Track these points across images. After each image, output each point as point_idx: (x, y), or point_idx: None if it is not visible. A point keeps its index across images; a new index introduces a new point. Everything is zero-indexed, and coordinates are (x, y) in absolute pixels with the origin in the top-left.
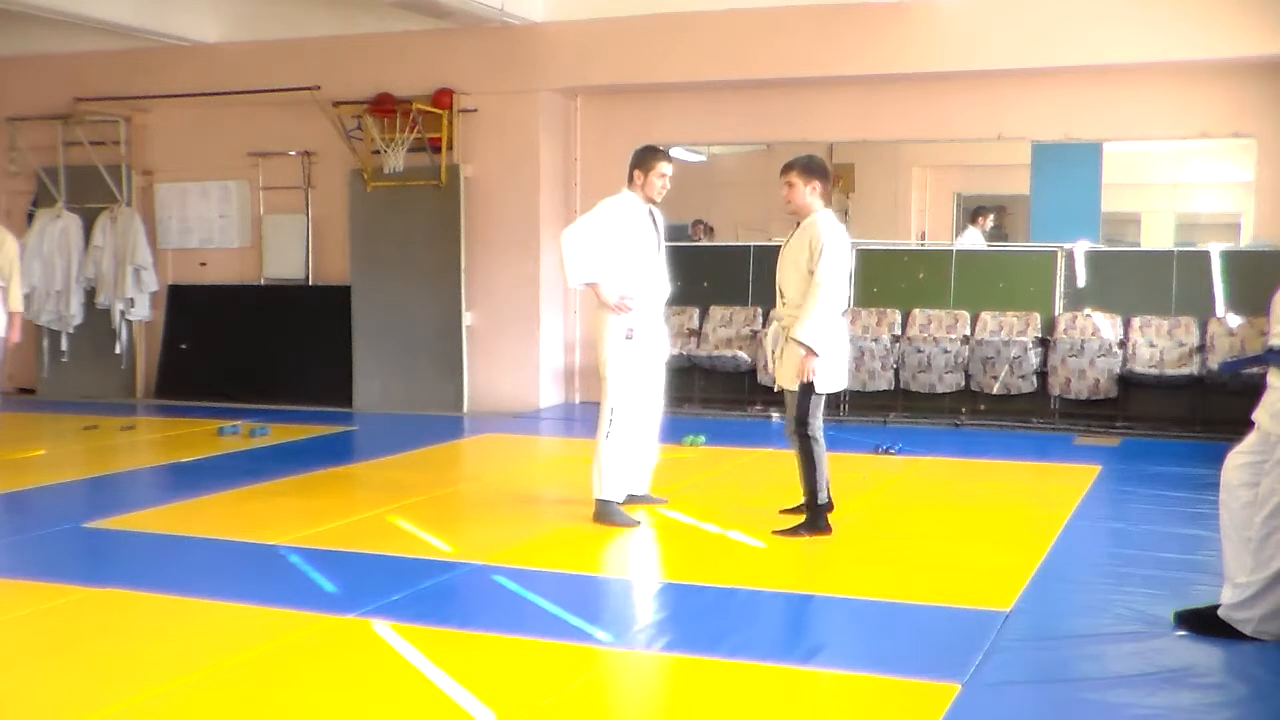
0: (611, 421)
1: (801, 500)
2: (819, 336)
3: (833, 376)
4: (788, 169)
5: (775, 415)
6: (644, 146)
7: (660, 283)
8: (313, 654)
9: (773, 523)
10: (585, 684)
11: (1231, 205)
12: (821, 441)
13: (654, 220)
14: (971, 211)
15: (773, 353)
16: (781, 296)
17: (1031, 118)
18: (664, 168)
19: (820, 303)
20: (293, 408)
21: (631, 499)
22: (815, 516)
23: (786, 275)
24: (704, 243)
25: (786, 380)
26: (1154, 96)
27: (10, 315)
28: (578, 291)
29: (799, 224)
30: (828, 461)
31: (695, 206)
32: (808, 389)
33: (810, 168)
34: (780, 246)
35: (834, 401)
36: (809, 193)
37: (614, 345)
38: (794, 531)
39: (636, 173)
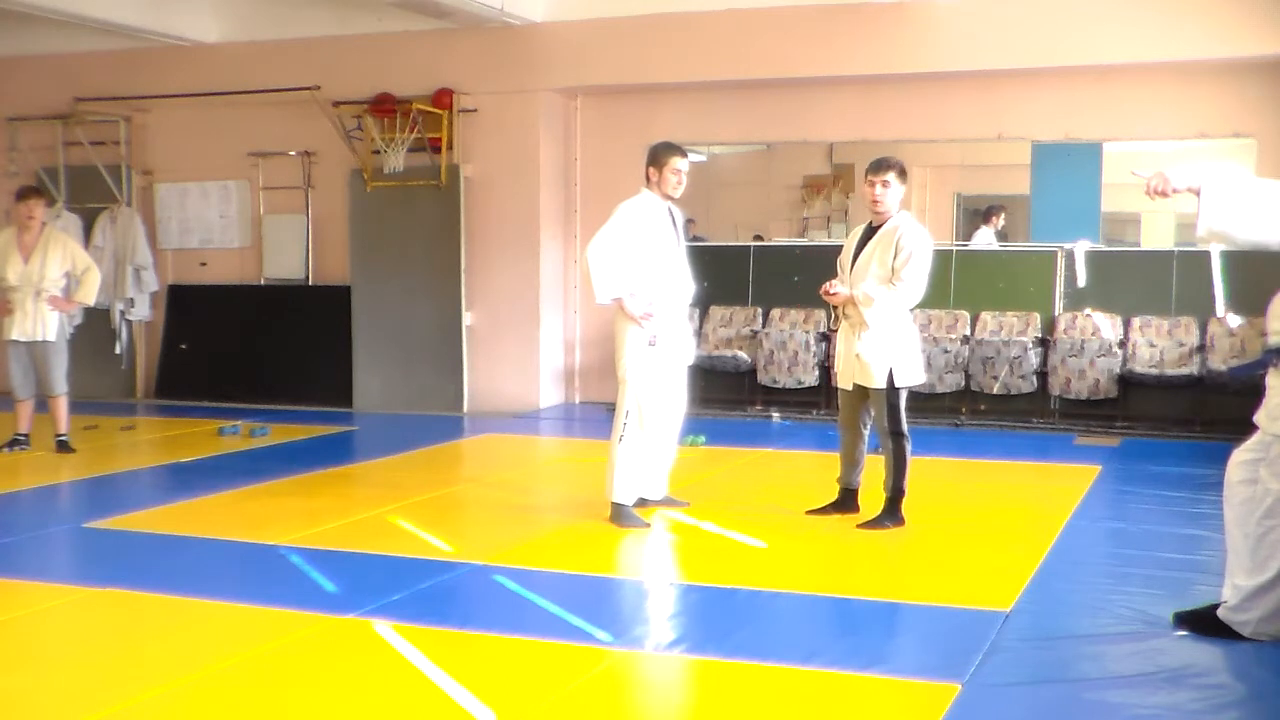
0: (626, 425)
1: (828, 501)
2: (883, 305)
3: (914, 371)
4: (888, 167)
5: (776, 415)
6: (658, 143)
7: (683, 283)
8: (313, 654)
9: (774, 524)
10: (585, 684)
11: None
12: (910, 437)
13: (673, 219)
14: (984, 211)
15: (846, 353)
16: None
17: (1031, 118)
18: (677, 163)
19: (901, 292)
20: (293, 408)
21: (645, 502)
22: (898, 508)
23: (865, 275)
24: (705, 242)
25: (868, 379)
26: (1154, 96)
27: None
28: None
29: (873, 225)
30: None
31: (695, 206)
32: (894, 388)
33: (904, 170)
34: (848, 245)
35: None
36: (898, 195)
37: (634, 350)
38: (878, 522)
39: (651, 170)
